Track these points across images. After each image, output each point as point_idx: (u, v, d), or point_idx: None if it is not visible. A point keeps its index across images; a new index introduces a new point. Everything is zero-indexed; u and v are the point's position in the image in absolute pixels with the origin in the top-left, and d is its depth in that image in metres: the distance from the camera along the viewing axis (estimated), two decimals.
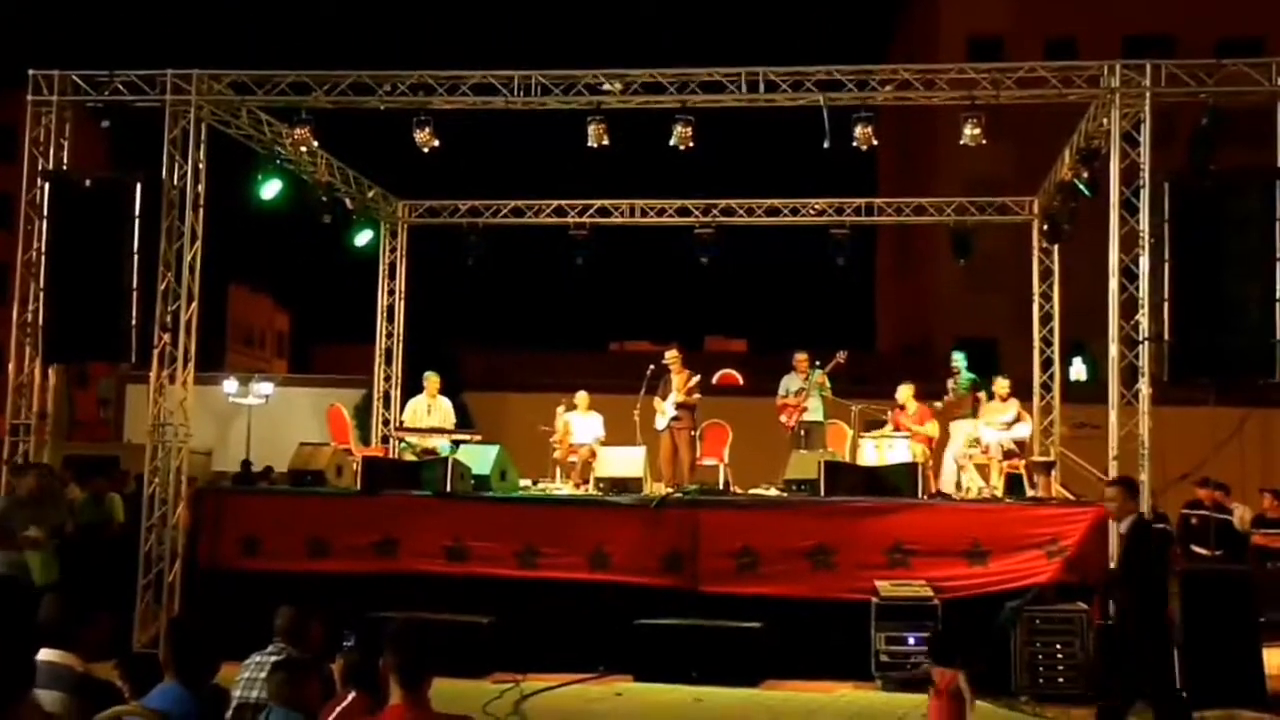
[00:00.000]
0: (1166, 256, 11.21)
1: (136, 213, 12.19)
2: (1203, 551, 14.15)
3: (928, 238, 30.77)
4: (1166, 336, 11.13)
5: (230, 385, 27.24)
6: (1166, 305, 11.17)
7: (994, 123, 12.60)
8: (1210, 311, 11.15)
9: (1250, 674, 10.43)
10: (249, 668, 5.65)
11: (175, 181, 12.70)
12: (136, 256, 12.15)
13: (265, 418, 26.20)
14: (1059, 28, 31.72)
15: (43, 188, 12.60)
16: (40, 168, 12.81)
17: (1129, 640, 8.17)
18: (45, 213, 12.47)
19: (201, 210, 12.86)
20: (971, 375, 14.83)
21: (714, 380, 23.78)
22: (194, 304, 12.75)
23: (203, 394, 15.65)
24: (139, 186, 12.28)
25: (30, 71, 12.99)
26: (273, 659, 5.46)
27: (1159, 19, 31.08)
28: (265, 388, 27.82)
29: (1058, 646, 10.85)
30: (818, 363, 14.78)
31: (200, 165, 12.83)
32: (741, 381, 27.05)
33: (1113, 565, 8.47)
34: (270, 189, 14.10)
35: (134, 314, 12.10)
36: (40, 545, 10.25)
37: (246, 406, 26.99)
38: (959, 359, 15.10)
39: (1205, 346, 11.18)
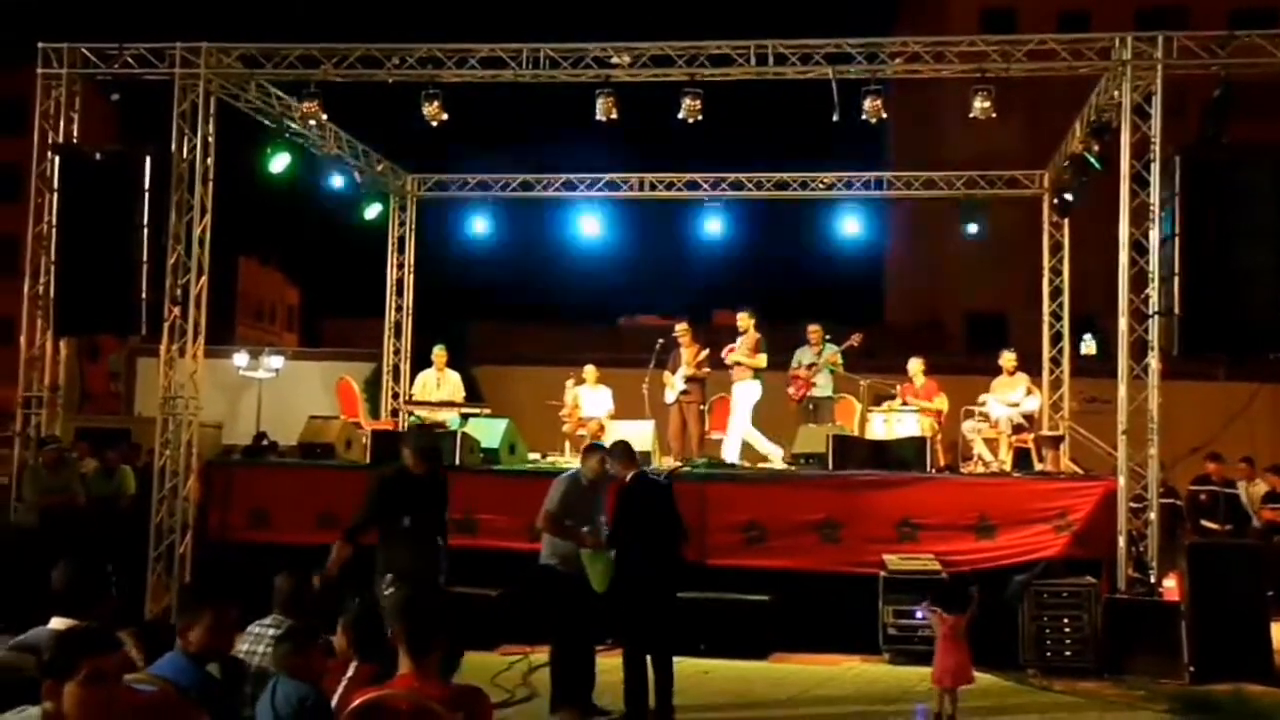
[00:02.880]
0: (1177, 230, 11.14)
1: (146, 186, 12.23)
2: (1212, 526, 14.15)
3: (938, 211, 30.66)
4: (1177, 310, 11.08)
5: (240, 358, 27.32)
6: (1177, 279, 11.10)
7: (1005, 96, 12.53)
8: (1221, 285, 11.07)
9: (1258, 648, 10.45)
10: (248, 638, 5.68)
11: (185, 155, 12.70)
12: (146, 229, 12.19)
13: (275, 391, 26.26)
14: (1072, 0, 31.53)
15: (53, 161, 12.65)
16: (50, 141, 12.85)
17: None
18: (55, 186, 12.51)
19: (211, 184, 12.87)
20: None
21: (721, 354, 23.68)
22: (204, 277, 12.77)
23: (213, 367, 15.71)
24: (148, 160, 12.31)
25: (39, 45, 13.00)
26: (270, 630, 5.49)
27: None
28: (275, 361, 27.89)
29: (1065, 620, 10.89)
30: (828, 336, 14.74)
31: (209, 138, 12.83)
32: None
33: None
34: (279, 162, 14.11)
35: (144, 287, 12.15)
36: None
37: (257, 380, 27.07)
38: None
39: (1215, 320, 11.11)
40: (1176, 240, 11.14)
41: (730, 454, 13.85)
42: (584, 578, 8.77)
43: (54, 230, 12.45)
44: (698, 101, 12.58)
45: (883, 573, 11.17)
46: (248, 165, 14.49)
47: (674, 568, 8.90)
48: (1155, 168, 11.55)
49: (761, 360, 14.05)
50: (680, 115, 12.64)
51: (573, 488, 8.99)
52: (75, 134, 12.99)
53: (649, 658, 8.62)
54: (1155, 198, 11.51)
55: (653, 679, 8.58)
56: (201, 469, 12.78)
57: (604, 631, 11.37)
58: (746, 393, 13.95)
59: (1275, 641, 10.67)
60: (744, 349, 14.05)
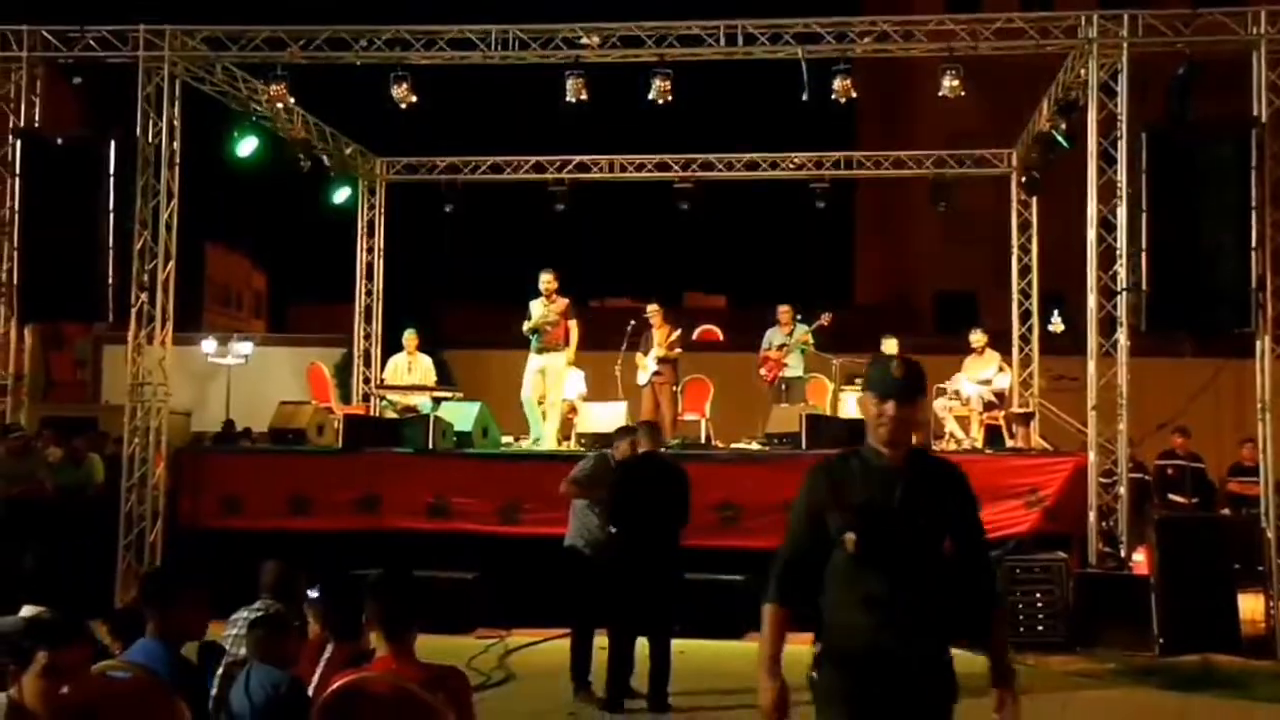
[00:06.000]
0: (1144, 207, 11.21)
1: (111, 170, 12.09)
2: (1180, 500, 14.29)
3: (907, 191, 30.77)
4: (1144, 286, 11.15)
5: (209, 345, 27.10)
6: (1144, 255, 11.18)
7: (973, 74, 12.57)
8: (1187, 261, 11.16)
9: (1225, 619, 10.59)
10: (236, 624, 5.66)
11: (150, 139, 12.57)
12: (112, 215, 12.06)
13: (245, 377, 26.08)
14: None
15: (14, 145, 12.46)
16: (11, 125, 12.66)
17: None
18: (18, 171, 12.35)
19: (177, 168, 12.75)
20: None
21: (694, 336, 23.77)
22: (171, 263, 12.67)
23: (181, 354, 15.59)
24: (113, 144, 12.17)
25: None
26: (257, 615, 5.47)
27: None
28: (245, 347, 27.68)
29: (1037, 595, 10.97)
30: (799, 316, 14.77)
31: (175, 122, 12.71)
32: (721, 337, 27.04)
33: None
34: (246, 146, 14.00)
35: (110, 273, 12.03)
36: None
37: (226, 366, 26.88)
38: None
39: (1182, 296, 11.21)
40: (1143, 217, 11.21)
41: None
42: (608, 561, 8.67)
43: (16, 216, 12.30)
44: (667, 82, 12.55)
45: None
46: (214, 149, 14.36)
47: (672, 549, 8.70)
48: (1122, 145, 11.62)
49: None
50: (650, 96, 12.62)
51: (600, 466, 9.18)
52: (37, 118, 12.82)
53: (646, 641, 8.47)
54: (1122, 175, 11.57)
55: (649, 665, 8.47)
56: (171, 456, 12.70)
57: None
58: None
59: (1242, 612, 10.81)
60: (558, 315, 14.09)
